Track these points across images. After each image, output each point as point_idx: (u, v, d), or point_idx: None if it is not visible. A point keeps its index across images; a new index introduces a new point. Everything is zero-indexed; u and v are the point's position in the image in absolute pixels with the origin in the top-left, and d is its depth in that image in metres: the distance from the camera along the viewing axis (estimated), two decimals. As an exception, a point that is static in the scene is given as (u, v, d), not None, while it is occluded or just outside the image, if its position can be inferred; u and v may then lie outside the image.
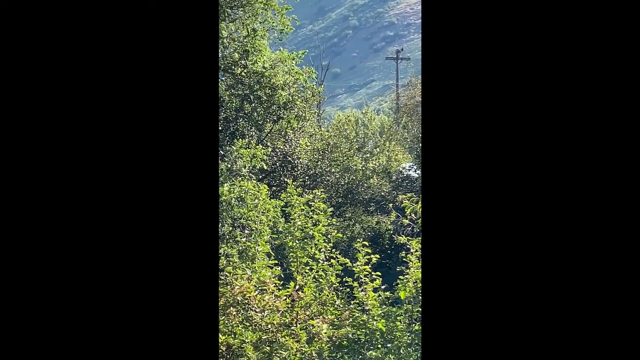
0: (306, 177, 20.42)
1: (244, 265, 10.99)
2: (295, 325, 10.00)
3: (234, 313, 9.88)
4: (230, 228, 14.91)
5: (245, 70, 18.83)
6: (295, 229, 11.00)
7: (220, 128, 19.14)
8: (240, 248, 11.72)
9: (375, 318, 10.05)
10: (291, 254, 10.90)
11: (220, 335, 9.74)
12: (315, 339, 9.88)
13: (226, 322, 9.80)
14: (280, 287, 10.38)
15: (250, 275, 10.52)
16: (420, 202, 10.71)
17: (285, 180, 15.73)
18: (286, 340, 9.66)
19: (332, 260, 10.75)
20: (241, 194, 14.40)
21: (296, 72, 19.19)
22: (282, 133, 20.18)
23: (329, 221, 11.31)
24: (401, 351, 9.88)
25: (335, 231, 11.62)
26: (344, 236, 16.94)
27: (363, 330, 10.04)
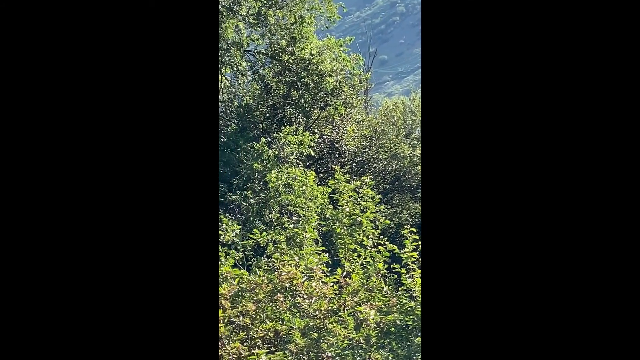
0: (353, 164, 20.38)
1: (291, 251, 11.00)
2: (342, 311, 9.99)
3: (282, 299, 9.90)
4: (278, 215, 14.96)
5: (292, 57, 18.85)
6: (343, 216, 10.98)
7: (267, 115, 19.21)
8: (287, 234, 11.74)
9: (423, 305, 10.01)
10: (339, 240, 10.89)
11: (267, 322, 9.77)
12: (363, 326, 9.87)
13: (274, 308, 9.83)
14: (327, 274, 10.37)
15: (298, 262, 10.53)
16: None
17: (333, 166, 15.72)
18: (334, 327, 9.66)
19: (380, 247, 10.72)
20: (289, 181, 14.43)
21: (343, 59, 19.19)
22: (330, 120, 20.17)
23: (376, 208, 11.28)
24: (449, 338, 9.82)
25: (383, 218, 11.58)
26: (392, 223, 16.90)
27: (411, 316, 10.00)
